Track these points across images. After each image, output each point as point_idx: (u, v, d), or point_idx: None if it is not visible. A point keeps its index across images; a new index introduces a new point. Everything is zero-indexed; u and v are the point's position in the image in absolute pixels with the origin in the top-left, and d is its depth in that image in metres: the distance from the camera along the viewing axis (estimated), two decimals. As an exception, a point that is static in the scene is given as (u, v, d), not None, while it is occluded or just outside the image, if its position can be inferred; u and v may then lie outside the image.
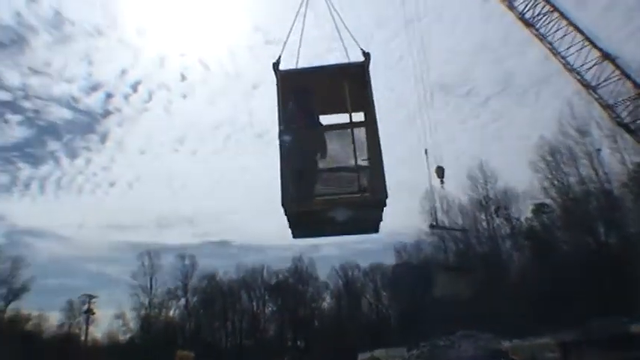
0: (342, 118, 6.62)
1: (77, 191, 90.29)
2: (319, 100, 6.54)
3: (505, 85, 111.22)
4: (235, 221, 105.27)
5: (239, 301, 76.07)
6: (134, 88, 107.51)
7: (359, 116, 6.55)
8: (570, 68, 29.71)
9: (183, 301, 75.82)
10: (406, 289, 59.97)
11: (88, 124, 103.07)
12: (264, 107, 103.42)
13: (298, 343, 72.34)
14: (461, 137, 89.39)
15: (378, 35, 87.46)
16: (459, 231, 54.06)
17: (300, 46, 7.28)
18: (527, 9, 30.13)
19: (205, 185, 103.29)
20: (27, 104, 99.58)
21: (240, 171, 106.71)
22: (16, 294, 63.83)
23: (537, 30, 30.11)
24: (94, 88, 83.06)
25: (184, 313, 74.90)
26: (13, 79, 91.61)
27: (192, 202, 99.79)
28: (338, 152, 6.06)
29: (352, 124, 6.24)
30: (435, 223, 50.95)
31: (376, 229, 6.80)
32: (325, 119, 6.65)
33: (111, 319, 72.92)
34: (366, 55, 6.48)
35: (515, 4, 30.49)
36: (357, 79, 6.38)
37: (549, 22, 29.74)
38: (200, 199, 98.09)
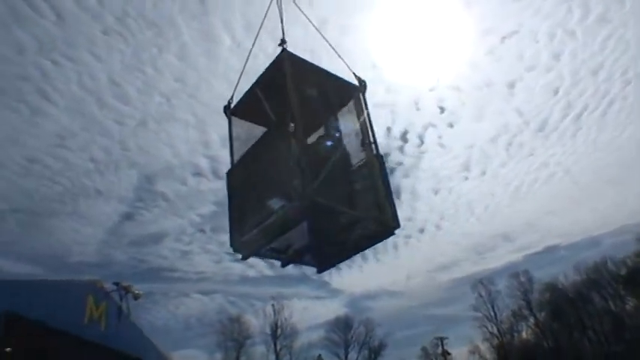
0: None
1: (393, 248, 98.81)
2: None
3: None
4: (553, 222, 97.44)
5: (591, 303, 68.81)
6: (404, 138, 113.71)
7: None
8: None
9: (531, 319, 73.24)
10: None
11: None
12: (528, 104, 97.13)
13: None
14: None
15: None
16: None
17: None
18: None
19: (507, 199, 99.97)
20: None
21: (536, 171, 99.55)
22: (377, 352, 72.68)
23: None
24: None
25: (537, 332, 71.91)
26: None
27: (499, 221, 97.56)
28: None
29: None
30: None
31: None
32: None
33: (466, 355, 75.34)
34: (282, 42, 5.89)
35: None
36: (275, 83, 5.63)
37: None
38: (506, 215, 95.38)
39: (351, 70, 6.44)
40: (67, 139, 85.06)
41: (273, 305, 71.71)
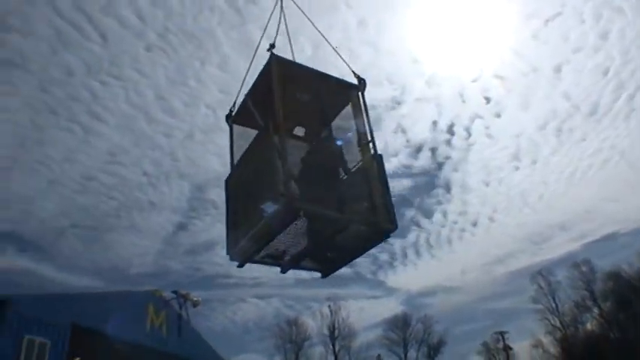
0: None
1: (447, 243, 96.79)
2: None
3: None
4: (611, 208, 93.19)
5: (661, 292, 65.37)
6: (450, 131, 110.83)
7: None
8: None
9: (596, 310, 70.17)
10: None
11: (428, 182, 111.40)
12: (576, 87, 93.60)
13: None
14: None
15: None
16: None
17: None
18: None
19: (561, 187, 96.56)
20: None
21: (590, 157, 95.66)
22: (436, 349, 71.16)
23: None
24: (418, 149, 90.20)
25: (602, 322, 68.86)
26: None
27: (554, 210, 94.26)
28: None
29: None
30: None
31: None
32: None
33: (528, 349, 72.39)
34: (271, 46, 5.86)
35: None
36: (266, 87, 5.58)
37: None
38: (561, 203, 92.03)
39: (350, 68, 6.41)
40: (119, 155, 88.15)
41: (329, 306, 71.19)
